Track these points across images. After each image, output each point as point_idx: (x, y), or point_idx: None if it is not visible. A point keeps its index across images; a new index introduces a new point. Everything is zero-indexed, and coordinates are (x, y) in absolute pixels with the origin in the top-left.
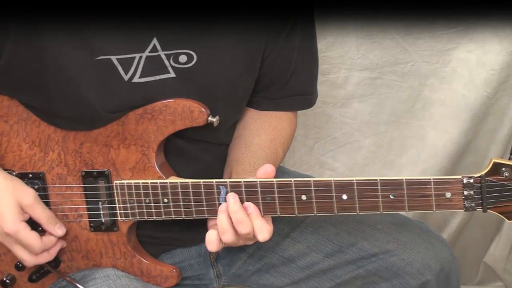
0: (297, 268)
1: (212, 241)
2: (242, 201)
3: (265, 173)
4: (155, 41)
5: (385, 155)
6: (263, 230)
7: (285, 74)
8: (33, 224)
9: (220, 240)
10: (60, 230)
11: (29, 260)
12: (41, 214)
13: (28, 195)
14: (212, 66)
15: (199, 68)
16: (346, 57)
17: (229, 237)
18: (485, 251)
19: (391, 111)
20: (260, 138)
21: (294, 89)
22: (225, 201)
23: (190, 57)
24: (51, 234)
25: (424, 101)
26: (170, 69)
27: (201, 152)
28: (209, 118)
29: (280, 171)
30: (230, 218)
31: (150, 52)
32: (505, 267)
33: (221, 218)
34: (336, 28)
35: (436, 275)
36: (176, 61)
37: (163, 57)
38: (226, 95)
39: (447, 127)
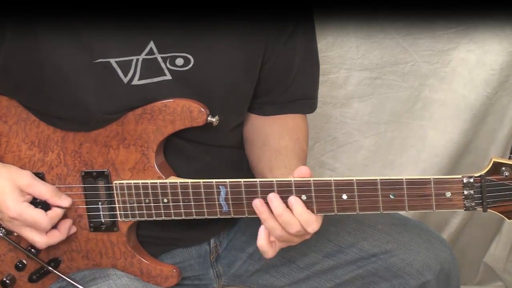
0: (297, 268)
1: (264, 250)
2: (241, 200)
3: (301, 175)
4: (151, 44)
5: (385, 155)
6: (311, 223)
7: (287, 78)
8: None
9: (271, 244)
10: (66, 201)
11: (41, 240)
12: (43, 189)
13: (24, 175)
14: (210, 70)
15: (196, 71)
16: (346, 57)
17: (280, 233)
18: (485, 251)
19: (391, 111)
20: (285, 140)
21: (296, 93)
22: (225, 202)
23: (187, 60)
24: (58, 206)
25: (424, 101)
26: (166, 71)
27: (201, 153)
28: (209, 118)
29: None
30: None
31: (146, 54)
32: (505, 267)
33: (270, 225)
34: (336, 28)
35: (436, 275)
36: (173, 64)
37: (160, 60)
38: (224, 98)
39: (447, 127)
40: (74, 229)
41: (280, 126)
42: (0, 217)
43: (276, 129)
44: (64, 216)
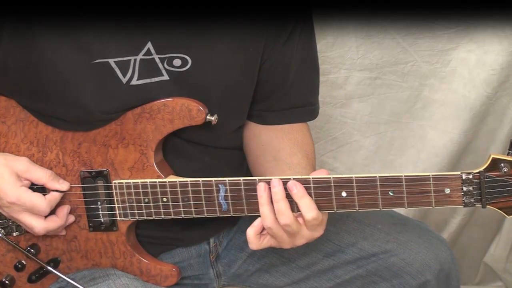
0: (297, 268)
1: (251, 240)
2: (241, 199)
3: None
4: (149, 45)
5: (385, 155)
6: (310, 209)
7: (284, 83)
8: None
9: (260, 236)
10: (64, 185)
11: (39, 225)
12: (40, 174)
13: (21, 161)
14: (208, 71)
15: (193, 72)
16: (346, 57)
17: (270, 223)
18: (485, 251)
19: (391, 111)
20: (297, 157)
21: (295, 100)
22: (225, 200)
23: (184, 61)
24: (56, 190)
25: (424, 101)
26: (164, 72)
27: (200, 154)
28: (207, 117)
29: None
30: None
31: (144, 55)
32: (505, 267)
33: (264, 211)
34: (336, 28)
35: (436, 275)
36: (171, 64)
37: (157, 60)
38: (222, 100)
39: (447, 127)
40: (72, 218)
41: (290, 142)
42: None
43: (287, 144)
44: (62, 203)
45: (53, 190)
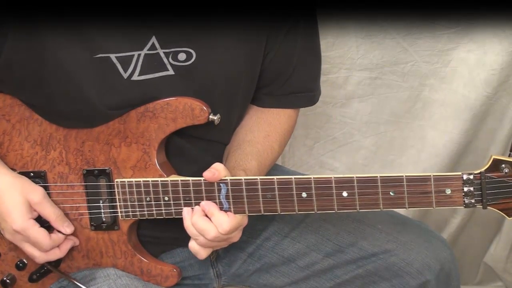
0: (297, 268)
1: (196, 251)
2: (242, 198)
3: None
4: (153, 39)
5: (385, 155)
6: (222, 223)
7: (286, 71)
8: (42, 222)
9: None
10: (68, 228)
11: (40, 256)
12: (50, 212)
13: (36, 192)
14: (212, 64)
15: (198, 66)
16: (346, 57)
17: (202, 240)
18: (485, 251)
19: (391, 111)
20: (253, 134)
21: (295, 86)
22: (226, 199)
23: (189, 55)
24: (59, 232)
25: (424, 101)
26: (169, 66)
27: (201, 152)
28: (210, 116)
29: (280, 171)
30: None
31: (148, 50)
32: (505, 267)
33: (187, 226)
34: (336, 28)
35: (436, 275)
36: (175, 59)
37: (162, 55)
38: (226, 93)
39: (447, 127)
40: (75, 241)
41: (257, 119)
42: (3, 226)
43: (252, 121)
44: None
45: (57, 230)
